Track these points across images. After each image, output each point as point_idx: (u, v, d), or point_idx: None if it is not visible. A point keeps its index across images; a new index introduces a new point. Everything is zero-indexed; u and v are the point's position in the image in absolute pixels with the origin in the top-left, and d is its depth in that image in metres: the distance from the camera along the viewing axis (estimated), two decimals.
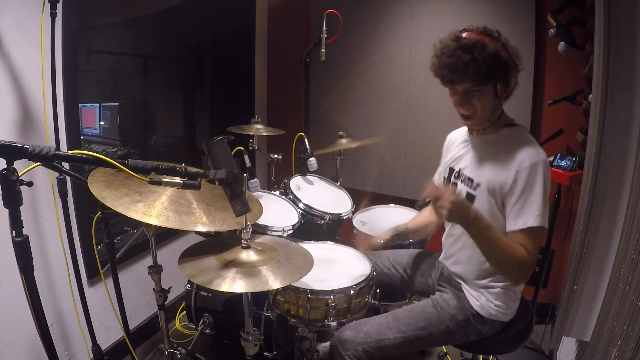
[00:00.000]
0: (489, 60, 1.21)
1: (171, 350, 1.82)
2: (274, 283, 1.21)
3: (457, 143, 1.54)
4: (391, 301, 1.84)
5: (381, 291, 1.77)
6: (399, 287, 1.71)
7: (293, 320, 1.52)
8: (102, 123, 2.38)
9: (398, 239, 1.73)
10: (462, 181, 1.44)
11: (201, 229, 1.29)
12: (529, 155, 1.25)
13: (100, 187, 1.22)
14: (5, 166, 0.90)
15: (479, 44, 1.22)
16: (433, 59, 1.30)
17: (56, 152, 0.93)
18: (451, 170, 1.52)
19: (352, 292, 1.48)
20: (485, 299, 1.39)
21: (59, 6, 1.58)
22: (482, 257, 1.33)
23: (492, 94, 1.28)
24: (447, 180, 1.53)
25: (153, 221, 1.21)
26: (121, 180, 1.27)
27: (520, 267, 1.26)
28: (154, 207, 1.25)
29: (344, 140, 2.34)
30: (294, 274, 1.27)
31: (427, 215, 1.71)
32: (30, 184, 0.98)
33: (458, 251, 1.50)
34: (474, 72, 1.22)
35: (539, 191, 1.23)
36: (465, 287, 1.46)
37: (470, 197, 1.38)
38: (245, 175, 1.20)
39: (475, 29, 1.27)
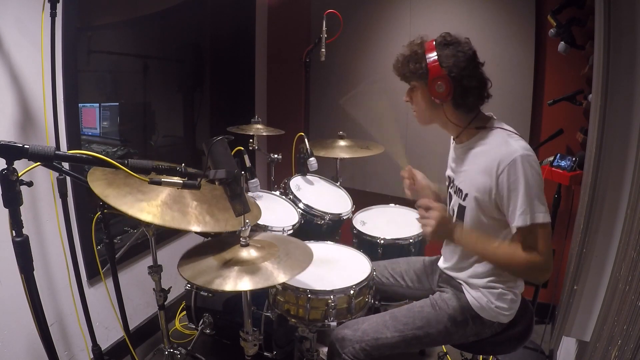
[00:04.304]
0: (412, 59, 1.34)
1: (171, 350, 1.82)
2: (278, 277, 1.21)
3: (452, 148, 1.54)
4: (391, 301, 1.84)
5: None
6: (399, 296, 1.70)
7: (293, 320, 1.52)
8: (102, 123, 2.38)
9: (437, 198, 1.65)
10: (454, 192, 1.44)
11: (206, 228, 1.29)
12: (505, 154, 1.22)
13: (102, 186, 1.22)
14: (5, 166, 0.90)
15: (415, 45, 1.35)
16: None
17: (56, 152, 0.93)
18: (449, 179, 1.52)
19: (352, 292, 1.48)
20: (486, 300, 1.38)
21: (59, 6, 1.58)
22: (484, 260, 1.35)
23: (426, 94, 1.35)
24: (447, 189, 1.53)
25: (158, 221, 1.21)
26: (122, 178, 1.27)
27: (532, 269, 1.22)
28: (158, 206, 1.25)
29: (342, 142, 2.34)
30: (295, 267, 1.27)
31: None
32: (30, 184, 0.99)
33: (458, 258, 1.48)
34: (400, 69, 1.39)
35: (521, 189, 1.19)
36: (465, 288, 1.45)
37: (461, 208, 1.38)
38: (245, 175, 1.20)
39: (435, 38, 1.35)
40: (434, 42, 1.31)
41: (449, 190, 1.50)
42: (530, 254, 1.22)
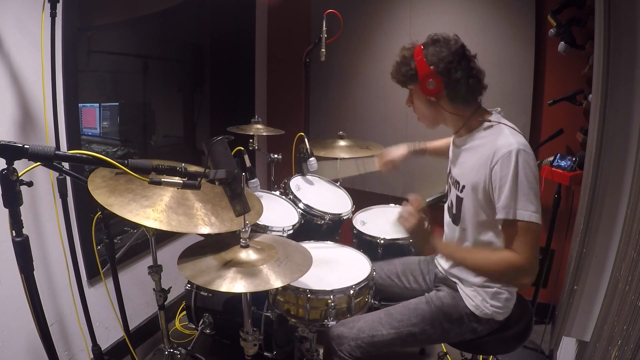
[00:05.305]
0: (403, 64, 1.38)
1: (171, 350, 1.82)
2: (275, 282, 1.21)
3: (452, 141, 1.55)
4: (391, 302, 1.84)
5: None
6: (397, 296, 1.70)
7: (293, 320, 1.52)
8: (102, 123, 2.38)
9: (415, 155, 1.83)
10: (452, 184, 1.45)
11: (213, 230, 1.28)
12: (501, 146, 1.22)
13: (104, 194, 1.20)
14: (5, 166, 0.90)
15: (405, 50, 1.38)
16: None
17: (56, 152, 0.93)
18: (449, 172, 1.53)
19: (352, 292, 1.48)
20: (480, 299, 1.39)
21: (59, 6, 1.58)
22: (464, 266, 1.38)
23: (421, 94, 1.37)
24: (447, 181, 1.54)
25: (165, 227, 1.20)
26: (123, 184, 1.26)
27: (509, 269, 1.20)
28: (163, 211, 1.24)
29: (342, 142, 2.34)
30: (294, 272, 1.27)
31: (447, 142, 1.69)
32: (30, 184, 0.99)
33: None
34: (396, 75, 1.42)
35: (510, 182, 1.18)
36: (460, 287, 1.46)
37: (459, 200, 1.39)
38: (245, 175, 1.20)
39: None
40: (422, 44, 1.34)
41: (449, 181, 1.51)
42: (509, 253, 1.20)
